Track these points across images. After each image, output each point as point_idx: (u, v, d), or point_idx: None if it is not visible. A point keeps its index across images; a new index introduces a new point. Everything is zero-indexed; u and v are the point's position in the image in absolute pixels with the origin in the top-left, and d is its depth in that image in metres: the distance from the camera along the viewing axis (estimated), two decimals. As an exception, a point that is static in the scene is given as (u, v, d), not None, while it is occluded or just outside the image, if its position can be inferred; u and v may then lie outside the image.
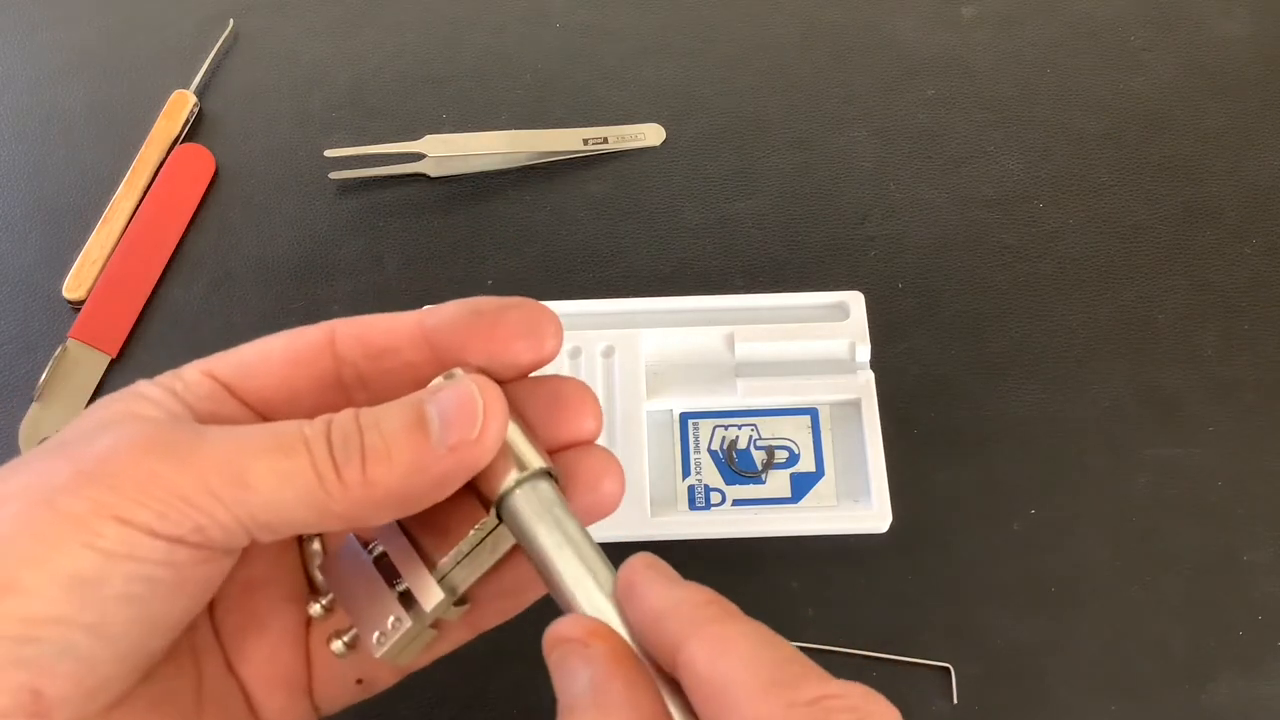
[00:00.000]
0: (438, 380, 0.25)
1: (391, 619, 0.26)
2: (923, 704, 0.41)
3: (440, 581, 0.26)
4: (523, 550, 0.25)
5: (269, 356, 0.26)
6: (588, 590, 0.24)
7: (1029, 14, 0.58)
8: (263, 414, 0.27)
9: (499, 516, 0.25)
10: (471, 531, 0.25)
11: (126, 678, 0.23)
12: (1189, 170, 0.53)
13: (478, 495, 0.25)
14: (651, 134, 0.54)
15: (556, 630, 0.24)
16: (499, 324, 0.26)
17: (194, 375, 0.26)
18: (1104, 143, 0.54)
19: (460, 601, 0.27)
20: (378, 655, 0.26)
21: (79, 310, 0.49)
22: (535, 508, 0.25)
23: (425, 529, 0.26)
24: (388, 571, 0.27)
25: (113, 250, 0.51)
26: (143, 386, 0.26)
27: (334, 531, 0.25)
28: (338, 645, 0.27)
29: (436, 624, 0.27)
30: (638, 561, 0.24)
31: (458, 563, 0.26)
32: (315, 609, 0.27)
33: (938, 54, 0.57)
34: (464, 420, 0.23)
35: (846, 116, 0.55)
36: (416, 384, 0.25)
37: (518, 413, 0.26)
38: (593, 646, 0.23)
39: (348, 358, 0.27)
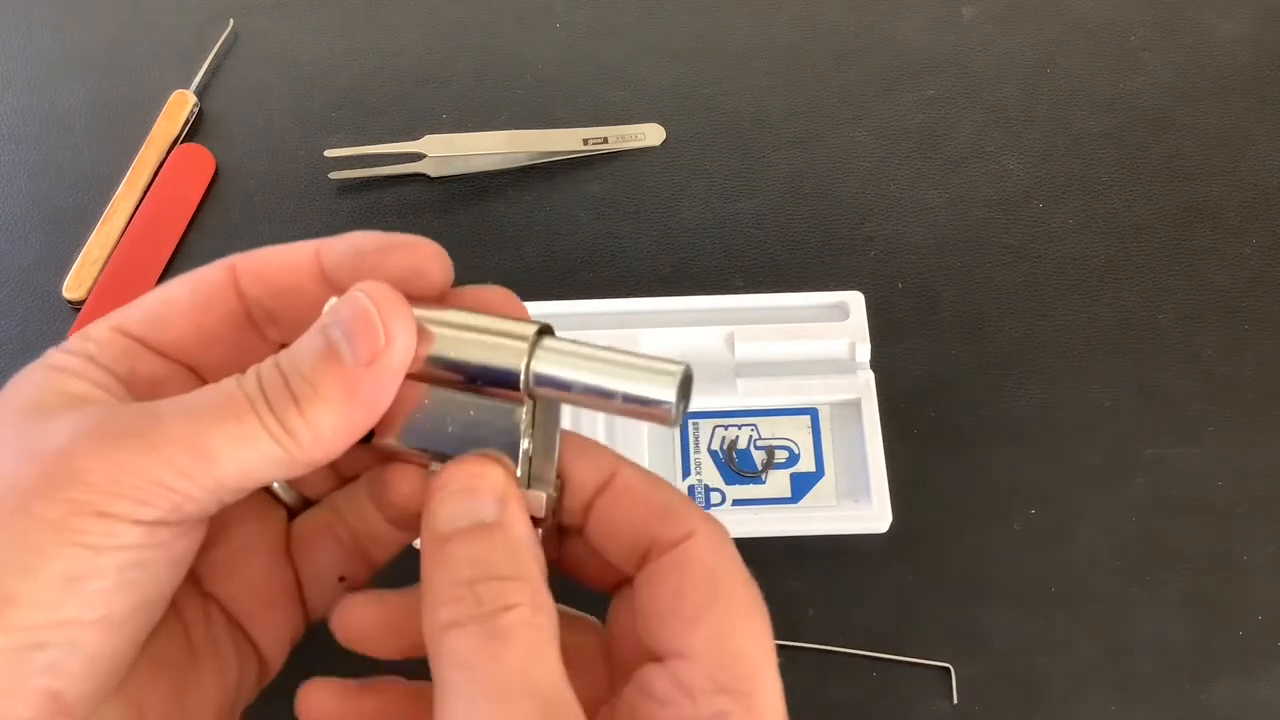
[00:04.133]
0: (333, 300, 0.25)
1: None
2: (923, 704, 0.41)
3: (535, 488, 0.26)
4: (575, 403, 0.25)
5: (174, 304, 0.27)
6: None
7: (1029, 14, 0.58)
8: (181, 361, 0.27)
9: (530, 395, 0.25)
10: (522, 433, 0.26)
11: (131, 657, 0.24)
12: (1189, 170, 0.53)
13: (494, 393, 0.25)
14: (651, 134, 0.54)
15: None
16: (381, 266, 0.26)
17: (104, 334, 0.26)
18: (1104, 143, 0.54)
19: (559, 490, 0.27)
20: None
21: (79, 310, 0.49)
22: (559, 359, 0.25)
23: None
24: None
25: (113, 250, 0.51)
26: (55, 357, 0.26)
27: (299, 476, 0.25)
28: None
29: (557, 515, 0.27)
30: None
31: (530, 466, 0.26)
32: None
33: (938, 54, 0.57)
34: (367, 332, 0.24)
35: (846, 116, 0.55)
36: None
37: (468, 303, 0.26)
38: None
39: (253, 296, 0.27)
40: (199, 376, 0.28)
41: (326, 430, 0.24)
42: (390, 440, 0.27)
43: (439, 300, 0.27)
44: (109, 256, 0.51)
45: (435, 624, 0.24)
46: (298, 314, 0.27)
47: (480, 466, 0.25)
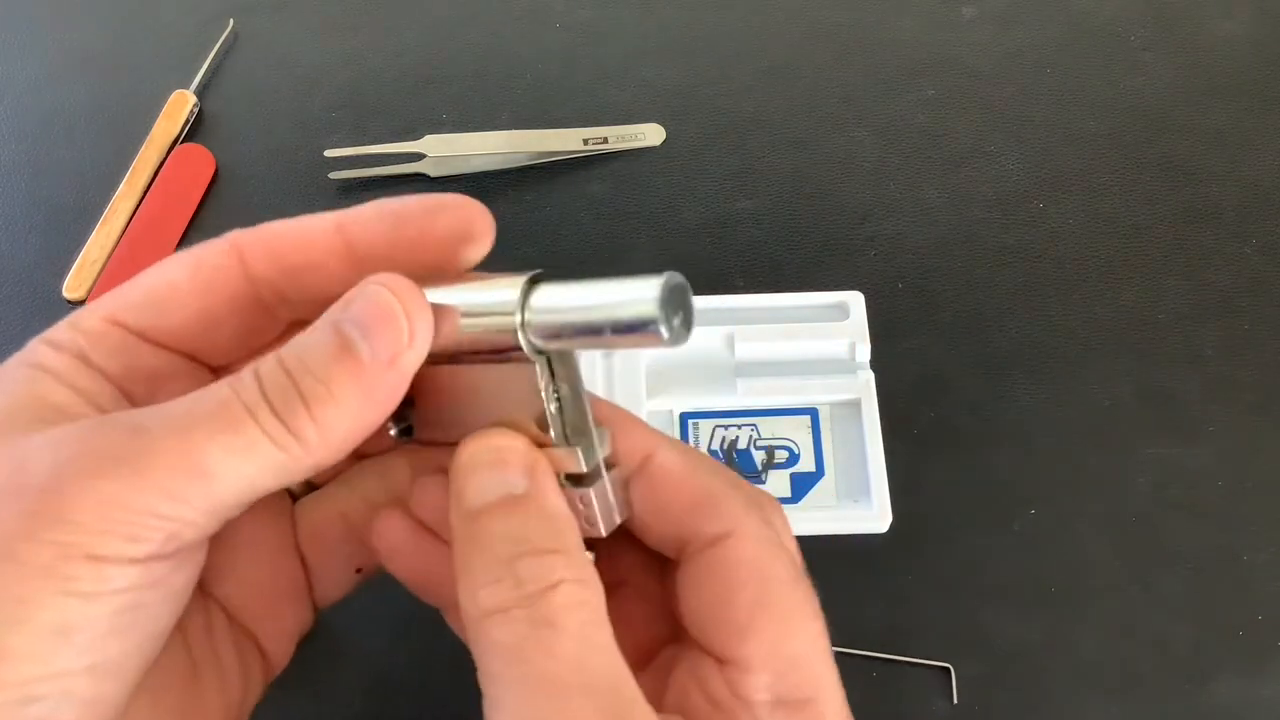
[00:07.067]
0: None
1: (579, 503, 0.24)
2: (923, 704, 0.41)
3: (574, 444, 0.24)
4: (583, 343, 0.23)
5: (175, 287, 0.25)
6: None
7: (1029, 14, 0.58)
8: (184, 351, 0.25)
9: (537, 351, 0.23)
10: (544, 393, 0.24)
11: (128, 694, 0.23)
12: (1189, 170, 0.53)
13: (503, 358, 0.23)
14: (651, 134, 0.54)
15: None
16: (428, 231, 0.24)
17: (97, 325, 0.24)
18: (1104, 143, 0.54)
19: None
20: (607, 533, 0.25)
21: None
22: (553, 310, 0.23)
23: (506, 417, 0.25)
24: None
25: (113, 250, 0.51)
26: (40, 353, 0.24)
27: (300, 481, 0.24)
28: None
29: (614, 466, 0.25)
30: None
31: (564, 423, 0.24)
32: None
33: (938, 54, 0.57)
34: (390, 330, 0.22)
35: (846, 116, 0.55)
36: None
37: (452, 271, 0.24)
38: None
39: (263, 277, 0.25)
40: (202, 364, 0.26)
41: (338, 433, 0.22)
42: (422, 434, 0.25)
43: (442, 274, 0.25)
44: (109, 256, 0.51)
45: (475, 609, 0.22)
46: (316, 293, 0.25)
47: (502, 439, 0.24)
